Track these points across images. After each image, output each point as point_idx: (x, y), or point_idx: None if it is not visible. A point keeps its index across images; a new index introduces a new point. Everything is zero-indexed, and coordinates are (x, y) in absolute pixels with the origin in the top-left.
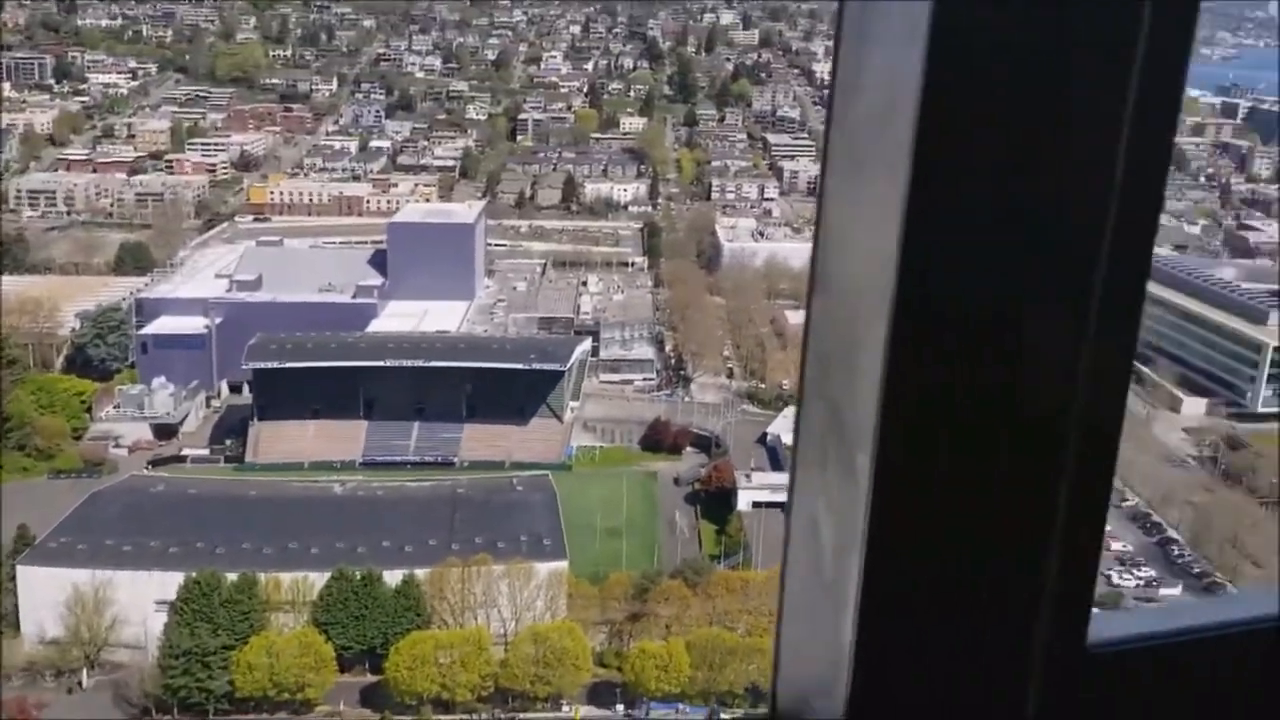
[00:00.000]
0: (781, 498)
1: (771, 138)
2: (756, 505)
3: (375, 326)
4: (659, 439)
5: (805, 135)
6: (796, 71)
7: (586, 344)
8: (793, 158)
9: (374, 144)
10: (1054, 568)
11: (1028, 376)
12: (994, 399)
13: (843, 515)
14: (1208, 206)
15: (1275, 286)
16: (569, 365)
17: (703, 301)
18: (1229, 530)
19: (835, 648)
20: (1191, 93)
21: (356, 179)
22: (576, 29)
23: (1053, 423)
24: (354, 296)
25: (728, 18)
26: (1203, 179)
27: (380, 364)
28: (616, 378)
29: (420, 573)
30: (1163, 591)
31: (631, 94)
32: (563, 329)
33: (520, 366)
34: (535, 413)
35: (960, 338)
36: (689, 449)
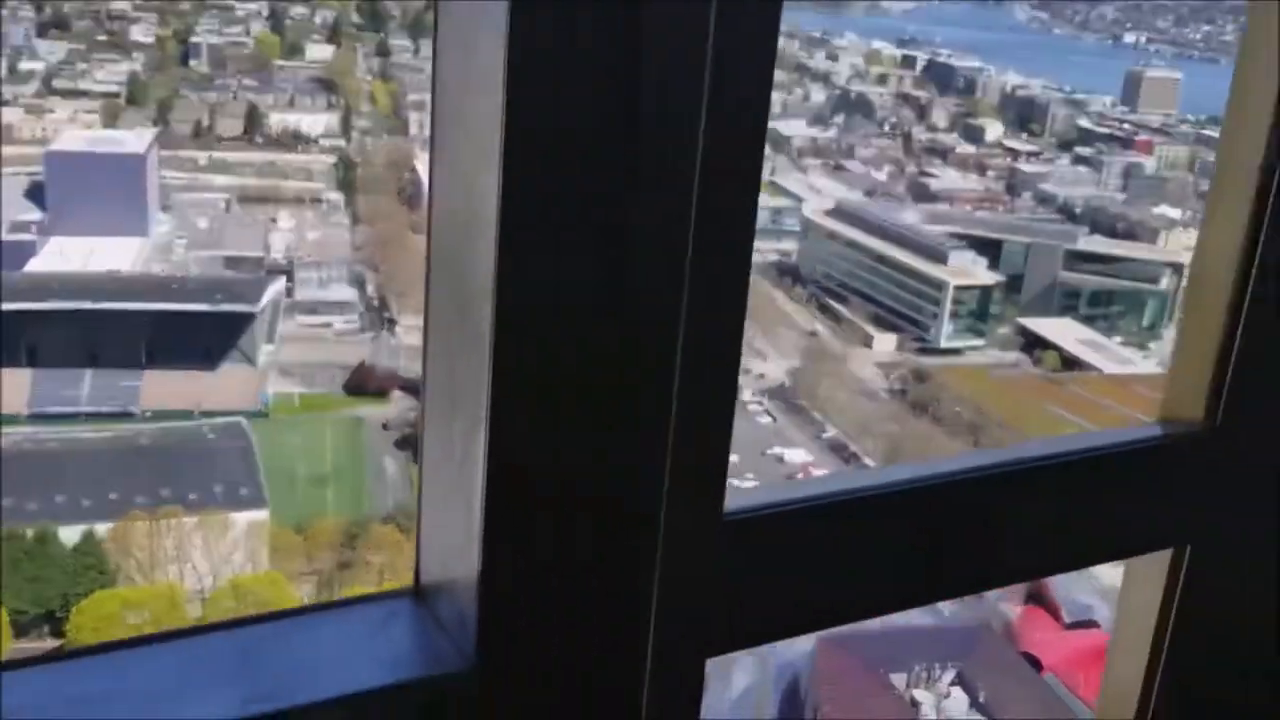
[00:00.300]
0: None
1: None
2: None
3: (34, 266)
4: (364, 383)
5: None
6: None
7: (280, 283)
8: None
9: (24, 66)
10: (689, 448)
11: (638, 269)
12: (605, 281)
13: (468, 393)
14: (892, 154)
15: (954, 229)
16: (261, 306)
17: (406, 239)
18: (916, 456)
19: (468, 521)
20: (875, 44)
21: (5, 104)
22: None
23: (667, 306)
24: (8, 232)
25: None
26: (887, 128)
27: (42, 306)
28: (315, 320)
29: (101, 528)
30: None
31: (318, 20)
32: (252, 269)
33: (206, 308)
34: (225, 357)
35: (569, 222)
36: (398, 393)
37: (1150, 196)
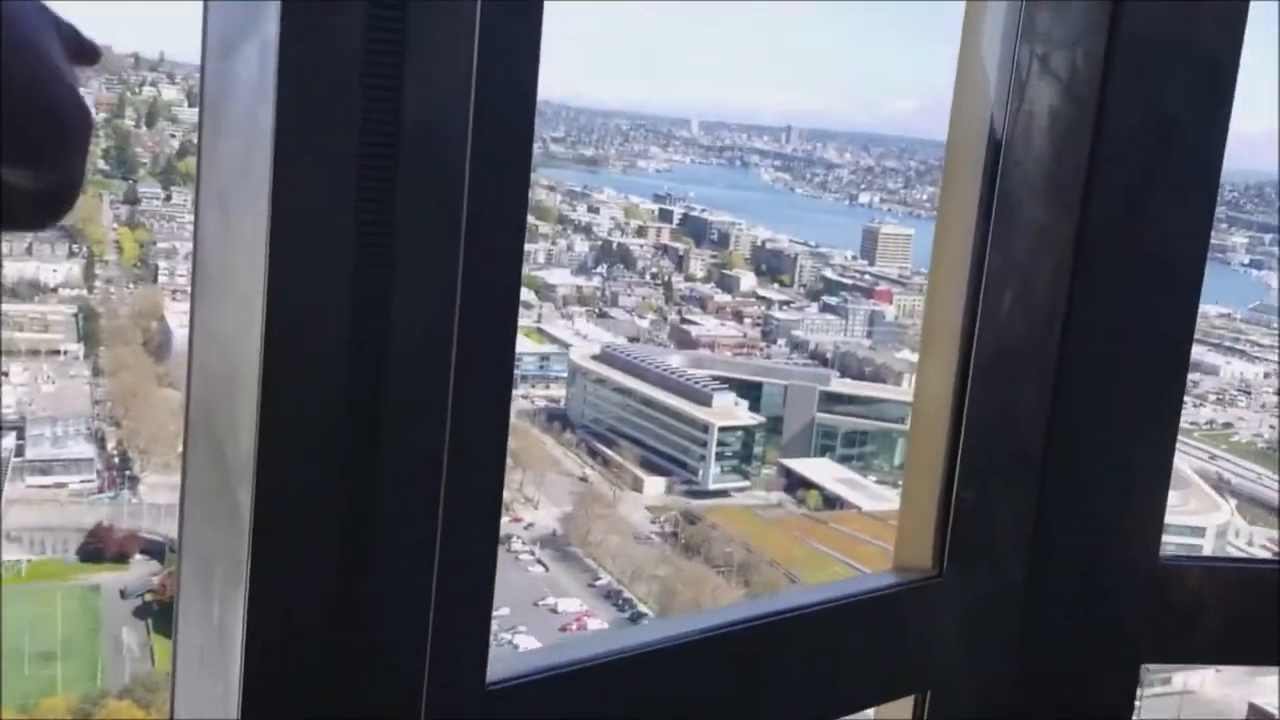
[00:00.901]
0: None
1: None
2: None
3: None
4: (101, 547)
5: None
6: None
7: (9, 441)
8: None
9: None
10: (449, 613)
11: (394, 405)
12: (362, 447)
13: (228, 560)
14: (654, 302)
15: (717, 373)
16: None
17: (151, 393)
18: (690, 598)
19: (225, 691)
20: (633, 199)
21: None
22: None
23: (430, 460)
24: None
25: (170, 93)
26: (648, 277)
27: None
28: (48, 480)
29: None
30: None
31: None
32: None
33: None
34: None
35: (329, 369)
36: (138, 556)
37: (892, 342)
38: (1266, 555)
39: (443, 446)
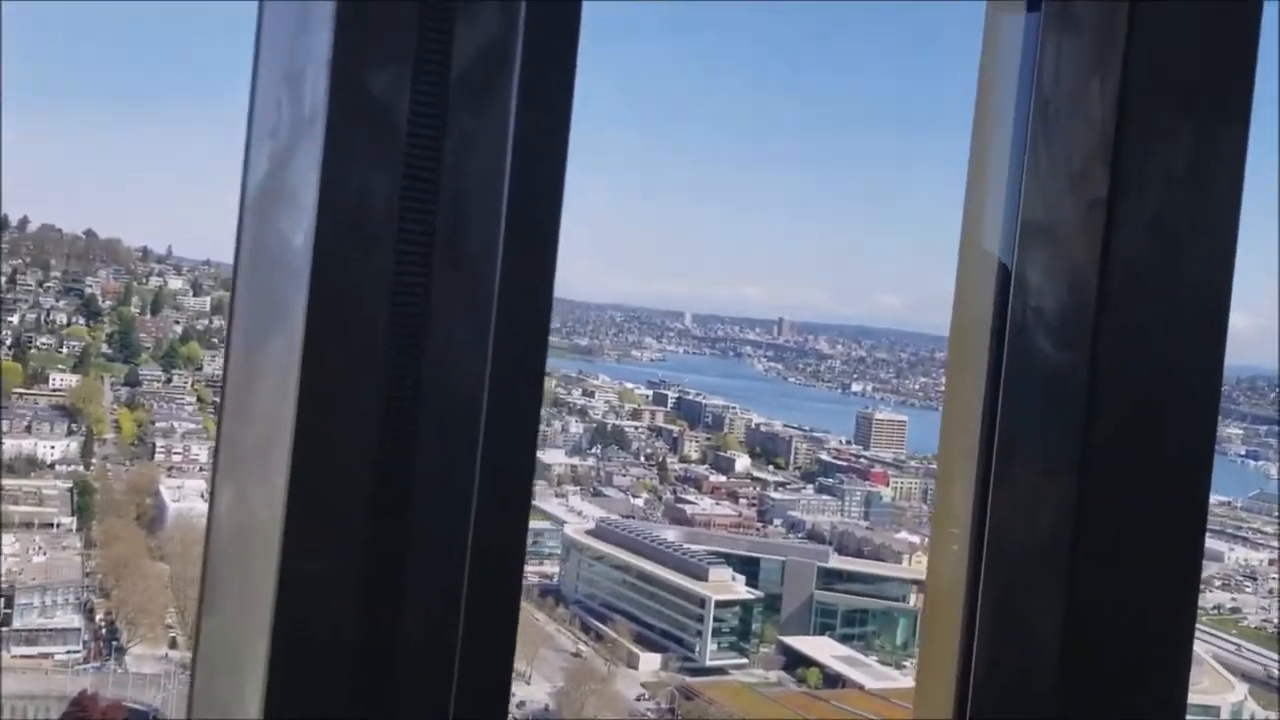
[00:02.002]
0: None
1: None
2: None
3: None
4: (85, 715)
5: None
6: None
7: None
8: None
9: None
10: None
11: (410, 624)
12: (375, 635)
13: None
14: (649, 482)
15: (713, 548)
16: None
17: (142, 564)
18: None
19: None
20: (627, 384)
21: None
22: (2, 279)
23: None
24: None
25: (176, 283)
26: (643, 458)
27: None
28: (34, 650)
29: None
30: None
31: (64, 350)
32: None
33: None
34: None
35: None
36: None
37: (890, 523)
38: None
39: (458, 625)
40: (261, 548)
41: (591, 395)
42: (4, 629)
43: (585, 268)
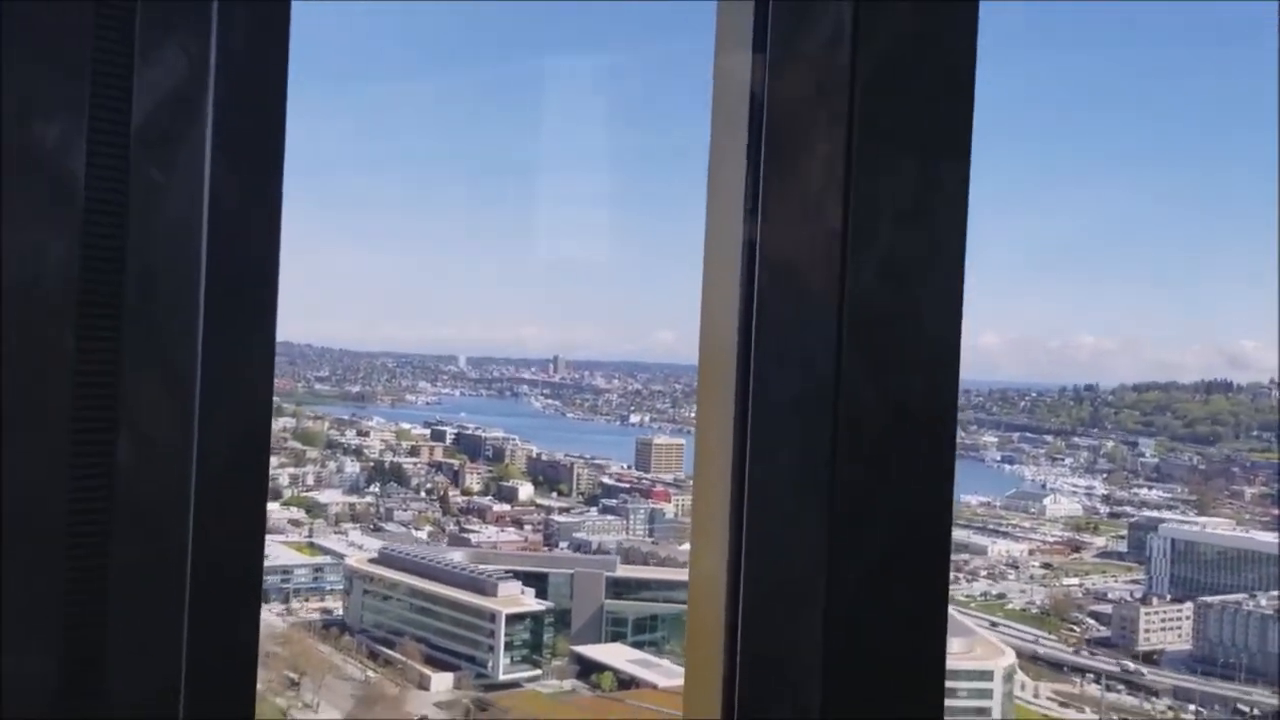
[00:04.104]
0: None
1: None
2: None
3: None
4: None
5: None
6: None
7: None
8: None
9: None
10: None
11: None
12: None
13: None
14: (431, 515)
15: (500, 567)
16: None
17: None
18: None
19: None
20: (403, 425)
21: None
22: None
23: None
24: None
25: None
26: (423, 493)
27: None
28: None
29: None
30: None
31: None
32: None
33: None
34: None
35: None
36: None
37: (675, 537)
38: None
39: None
40: None
41: (366, 435)
42: None
43: (354, 316)
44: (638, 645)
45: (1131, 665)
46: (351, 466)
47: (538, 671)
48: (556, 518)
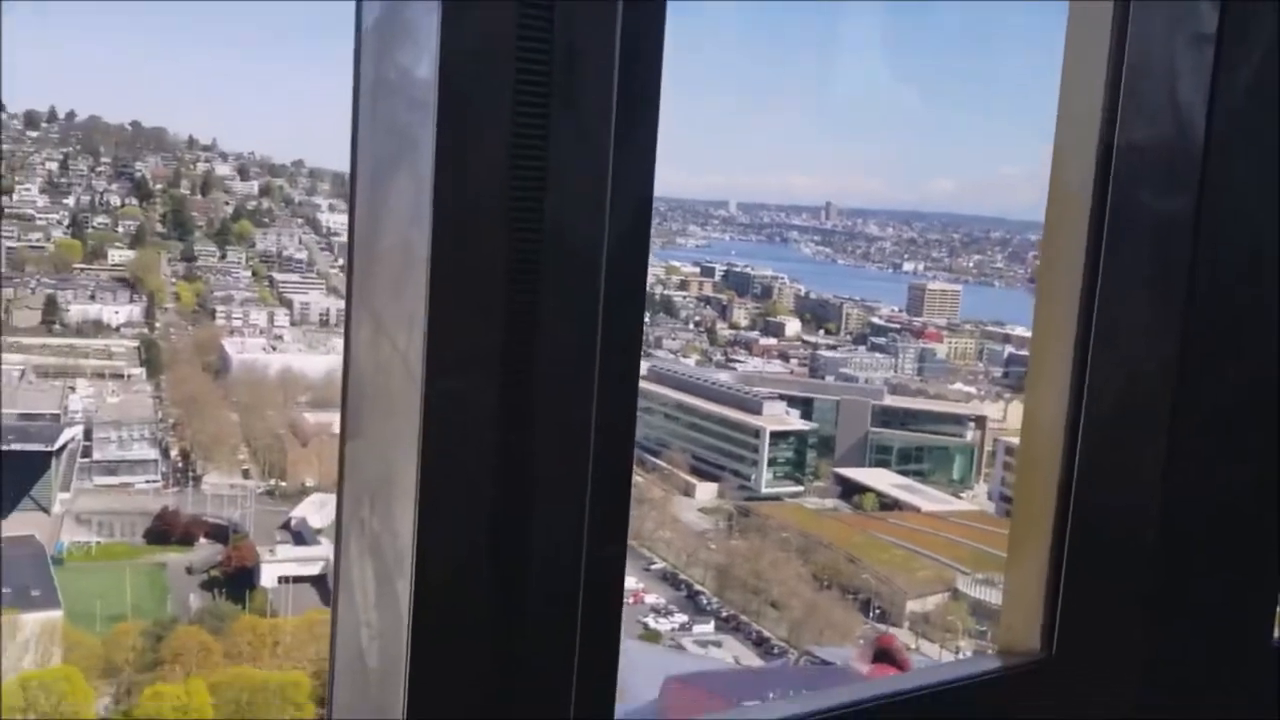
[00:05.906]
0: (309, 570)
1: (279, 275)
2: (283, 580)
3: None
4: (168, 529)
5: (314, 274)
6: (300, 220)
7: (78, 430)
8: (305, 292)
9: None
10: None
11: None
12: (517, 544)
13: (385, 639)
14: (698, 345)
15: (765, 390)
16: (57, 448)
17: (212, 404)
18: (747, 573)
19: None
20: (674, 262)
21: None
22: (54, 165)
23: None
24: None
25: (224, 169)
26: (691, 325)
27: None
28: (114, 480)
29: None
30: (697, 628)
31: (120, 229)
32: (48, 425)
33: None
34: (17, 505)
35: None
36: (203, 540)
37: (945, 377)
38: None
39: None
40: (403, 372)
41: None
42: (86, 459)
43: None
44: (902, 474)
45: None
46: None
47: (800, 488)
48: (824, 353)
